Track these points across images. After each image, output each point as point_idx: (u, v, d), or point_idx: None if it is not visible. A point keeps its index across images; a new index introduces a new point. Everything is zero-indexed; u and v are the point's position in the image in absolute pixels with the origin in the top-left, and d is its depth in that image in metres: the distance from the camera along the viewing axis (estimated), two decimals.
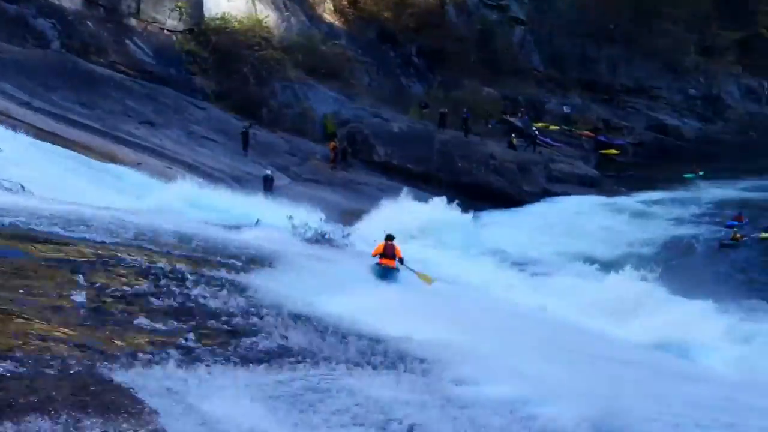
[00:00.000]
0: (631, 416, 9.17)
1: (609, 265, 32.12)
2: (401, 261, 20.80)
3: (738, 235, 37.22)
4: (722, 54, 70.68)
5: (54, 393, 7.44)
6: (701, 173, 52.96)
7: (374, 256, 20.66)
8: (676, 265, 33.35)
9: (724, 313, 25.93)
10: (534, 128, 54.58)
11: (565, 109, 61.14)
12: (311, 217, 23.68)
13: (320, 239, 21.97)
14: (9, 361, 7.84)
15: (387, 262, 20.66)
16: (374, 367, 10.39)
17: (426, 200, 37.74)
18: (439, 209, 37.84)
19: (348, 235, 23.48)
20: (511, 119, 56.11)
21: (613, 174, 54.12)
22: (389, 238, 21.01)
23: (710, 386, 14.51)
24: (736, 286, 29.81)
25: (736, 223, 39.16)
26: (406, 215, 35.61)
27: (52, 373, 7.90)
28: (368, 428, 8.20)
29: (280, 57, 49.21)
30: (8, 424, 6.63)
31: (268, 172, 38.46)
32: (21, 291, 10.34)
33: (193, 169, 36.32)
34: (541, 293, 27.45)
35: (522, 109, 58.16)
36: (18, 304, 9.78)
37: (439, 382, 10.09)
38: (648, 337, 23.02)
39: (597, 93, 65.06)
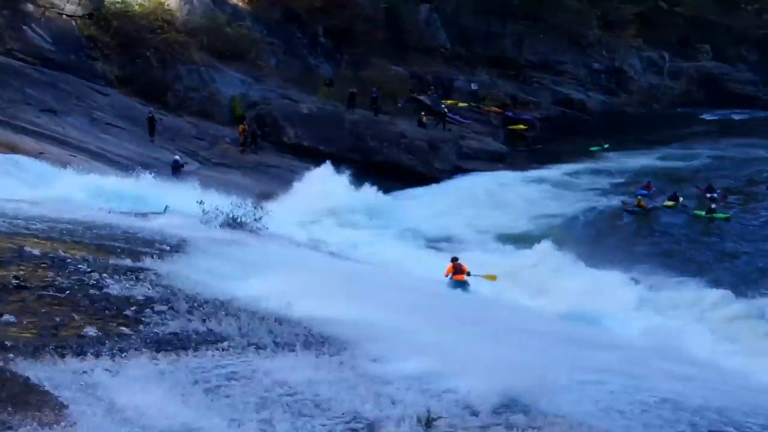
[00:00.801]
0: (543, 386, 9.25)
1: (520, 239, 32.56)
2: (468, 274, 25.17)
3: (642, 203, 38.04)
4: (624, 28, 71.95)
5: None
6: (606, 146, 53.89)
7: (447, 275, 24.88)
8: (586, 236, 33.93)
9: (634, 282, 26.56)
10: (443, 106, 54.83)
11: (473, 86, 61.54)
12: (222, 202, 23.42)
13: (232, 224, 21.76)
14: None
15: (459, 277, 25.05)
16: (288, 349, 10.32)
17: (339, 181, 37.77)
18: (352, 189, 37.88)
19: (260, 218, 23.27)
20: (420, 97, 56.23)
21: (522, 149, 54.76)
22: (455, 259, 25.44)
23: (621, 353, 14.77)
24: (644, 255, 30.47)
25: (645, 192, 40.00)
26: (319, 196, 35.58)
27: None
28: (284, 410, 8.14)
29: (184, 40, 48.48)
30: None
31: (177, 157, 37.95)
32: None
33: (98, 156, 35.61)
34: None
35: (431, 87, 58.34)
36: None
37: (354, 361, 10.07)
38: (559, 307, 23.40)
39: (503, 69, 65.68)
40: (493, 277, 26.67)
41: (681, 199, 38.79)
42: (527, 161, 51.12)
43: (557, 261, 28.42)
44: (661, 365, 13.91)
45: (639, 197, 38.63)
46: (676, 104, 69.13)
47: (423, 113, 52.01)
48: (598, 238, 32.89)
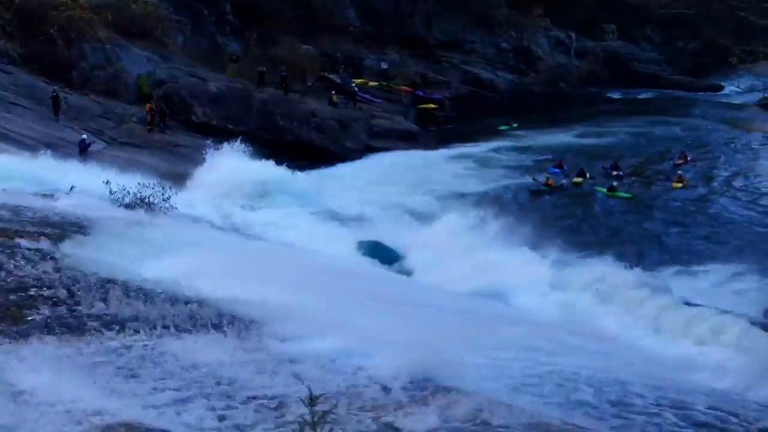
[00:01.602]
0: (451, 362, 9.40)
1: (429, 217, 32.77)
2: None
3: (550, 181, 38.63)
4: (531, 7, 72.61)
5: None
6: (515, 125, 54.50)
7: None
8: (495, 214, 34.27)
9: (542, 260, 26.93)
10: (353, 85, 54.76)
11: (383, 65, 61.54)
12: (129, 182, 23.09)
13: (139, 204, 21.49)
14: None
15: None
16: (198, 330, 10.29)
17: (248, 160, 37.48)
18: (262, 168, 37.64)
19: (168, 198, 23.02)
20: (331, 76, 56.06)
21: (432, 128, 54.98)
22: None
23: (532, 329, 15.04)
24: (551, 233, 30.85)
25: (557, 170, 40.61)
26: (228, 176, 35.26)
27: None
28: (193, 391, 8.12)
29: (89, 17, 47.40)
30: None
31: (84, 136, 37.21)
32: None
33: (1, 136, 34.77)
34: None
35: (341, 66, 58.20)
36: None
37: (263, 340, 10.09)
38: (468, 285, 23.63)
39: (413, 48, 65.74)
40: None
41: (588, 175, 39.47)
42: (437, 140, 51.38)
43: (463, 238, 28.67)
44: (570, 341, 14.22)
45: (548, 175, 39.20)
46: (583, 83, 70.06)
47: (333, 92, 51.89)
48: (507, 216, 33.17)
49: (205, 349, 9.40)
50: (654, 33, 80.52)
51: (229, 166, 36.29)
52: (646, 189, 38.61)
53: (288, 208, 33.67)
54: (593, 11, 75.87)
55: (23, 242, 12.96)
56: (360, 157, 45.80)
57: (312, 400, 5.85)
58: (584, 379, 10.41)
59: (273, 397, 8.05)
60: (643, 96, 68.54)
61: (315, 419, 5.85)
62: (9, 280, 10.85)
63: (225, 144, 38.49)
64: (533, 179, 39.31)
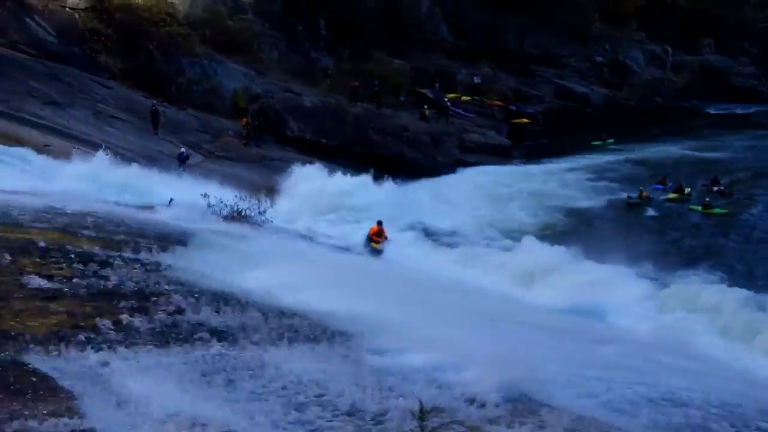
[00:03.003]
0: (546, 379, 9.33)
1: (523, 232, 32.55)
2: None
3: (644, 194, 38.13)
4: (626, 21, 71.80)
5: None
6: (610, 141, 53.89)
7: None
8: (588, 229, 33.94)
9: (637, 277, 26.51)
10: (446, 99, 54.79)
11: (475, 80, 61.48)
12: (226, 195, 23.52)
13: (236, 216, 21.86)
14: None
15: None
16: (293, 341, 10.38)
17: (341, 174, 37.84)
18: (355, 183, 37.92)
19: (264, 211, 23.40)
20: (423, 91, 56.21)
21: (525, 143, 54.72)
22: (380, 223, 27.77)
23: (624, 347, 14.81)
24: (647, 249, 30.41)
25: (660, 186, 40.11)
26: (321, 190, 35.64)
27: None
28: (287, 402, 8.20)
29: (186, 33, 48.47)
30: None
31: (183, 149, 38.01)
32: None
33: (102, 149, 35.66)
34: (456, 262, 27.76)
35: (437, 80, 58.27)
36: None
37: (357, 354, 10.13)
38: (562, 301, 23.41)
39: (506, 63, 65.53)
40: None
41: (687, 191, 38.83)
42: (530, 155, 51.12)
43: (559, 254, 28.43)
44: (664, 361, 13.95)
45: (641, 189, 38.69)
46: (679, 98, 69.03)
47: (425, 107, 52.01)
48: (601, 231, 32.86)
49: (302, 361, 9.48)
50: (752, 47, 78.81)
51: (322, 180, 36.69)
52: (745, 205, 37.75)
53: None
54: (689, 25, 74.56)
55: (125, 253, 13.30)
56: (451, 172, 45.78)
57: (423, 414, 5.87)
58: (681, 401, 10.20)
59: (370, 411, 8.08)
60: (741, 111, 67.12)
61: None
62: (111, 289, 11.13)
63: (317, 158, 38.94)
64: (627, 196, 38.78)
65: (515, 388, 8.86)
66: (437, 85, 57.33)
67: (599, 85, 68.23)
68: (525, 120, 58.08)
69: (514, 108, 59.20)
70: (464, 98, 58.36)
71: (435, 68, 60.74)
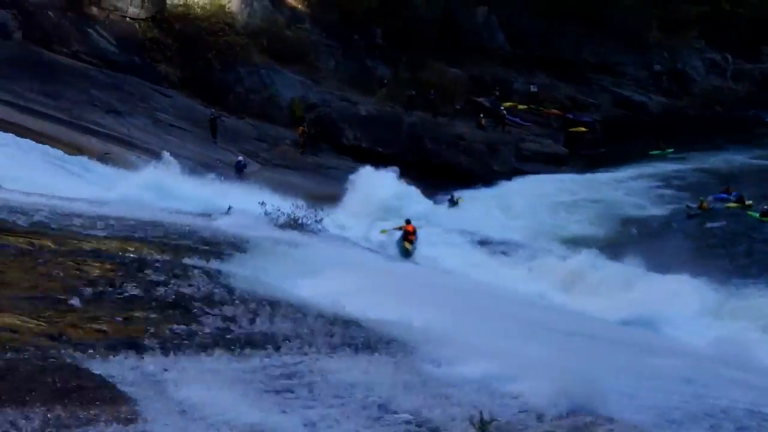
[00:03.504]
0: (603, 391, 9.24)
1: (580, 243, 32.36)
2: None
3: (704, 204, 37.67)
4: (685, 29, 70.92)
5: (28, 385, 7.42)
6: (669, 150, 53.30)
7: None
8: (647, 239, 33.60)
9: (696, 287, 26.17)
10: (502, 108, 54.62)
11: (532, 88, 61.19)
12: (283, 203, 23.68)
13: (293, 224, 21.99)
14: None
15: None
16: (350, 350, 10.42)
17: (396, 183, 37.92)
18: (410, 191, 37.99)
19: (321, 219, 23.53)
20: (480, 99, 56.10)
21: (582, 151, 54.33)
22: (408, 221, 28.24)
23: (683, 360, 14.64)
24: (707, 260, 30.04)
25: (724, 195, 39.59)
26: (378, 198, 35.74)
27: (26, 365, 7.87)
28: (345, 410, 8.24)
29: (245, 42, 48.93)
30: None
31: (240, 158, 38.38)
32: None
33: (161, 157, 36.11)
34: (512, 272, 27.66)
35: (496, 89, 58.07)
36: None
37: (415, 363, 10.13)
38: (622, 313, 23.22)
39: (562, 71, 65.10)
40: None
41: (749, 202, 38.26)
42: (587, 164, 50.75)
43: (617, 265, 28.22)
44: (724, 374, 13.77)
45: (702, 199, 38.23)
46: (740, 107, 67.96)
47: (481, 115, 51.90)
48: (659, 242, 32.54)
49: (358, 369, 9.51)
50: None
51: (378, 189, 36.76)
52: None
53: (434, 231, 33.82)
54: (750, 33, 73.41)
55: (185, 260, 13.47)
56: (507, 180, 45.60)
57: (483, 425, 5.88)
58: (745, 415, 10.06)
59: (428, 420, 8.09)
60: None
61: None
62: (173, 296, 11.28)
63: (373, 167, 39.03)
64: (687, 206, 38.32)
65: (572, 400, 8.79)
66: (497, 93, 57.14)
67: (657, 94, 67.47)
68: (582, 129, 57.65)
69: (571, 116, 58.81)
70: (521, 107, 58.10)
71: (491, 77, 60.53)
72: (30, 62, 40.72)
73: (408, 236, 28.90)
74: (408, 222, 29.59)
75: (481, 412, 6.15)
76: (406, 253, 28.23)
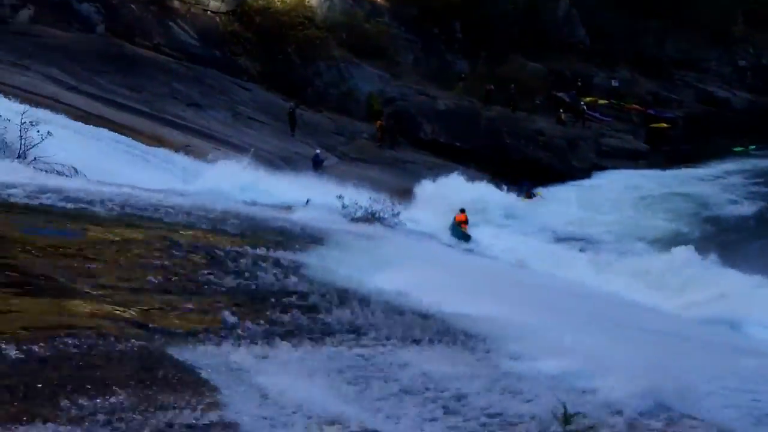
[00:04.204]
0: (689, 389, 9.10)
1: (660, 240, 31.94)
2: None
3: None
4: None
5: (113, 371, 7.55)
6: (752, 147, 52.26)
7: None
8: (728, 238, 33.05)
9: None
10: (582, 103, 54.12)
11: (613, 83, 60.57)
12: (360, 196, 23.80)
13: (370, 218, 22.09)
14: (66, 340, 7.95)
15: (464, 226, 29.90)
16: (426, 342, 10.42)
17: (474, 177, 37.79)
18: (489, 187, 37.84)
19: (398, 213, 23.61)
20: (560, 94, 55.65)
21: (664, 148, 53.56)
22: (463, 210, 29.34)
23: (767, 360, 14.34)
24: None
25: None
26: (455, 193, 35.67)
27: (111, 351, 8.02)
28: (421, 401, 8.24)
29: (324, 36, 49.26)
30: (65, 403, 6.74)
31: (318, 151, 38.63)
32: (76, 271, 10.50)
33: (240, 150, 36.53)
34: (593, 268, 27.42)
35: (579, 82, 57.52)
36: (76, 284, 9.95)
37: (491, 357, 10.09)
38: (700, 311, 22.87)
39: (644, 66, 64.23)
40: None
41: None
42: (669, 161, 50.02)
43: (698, 263, 27.77)
44: None
45: None
46: None
47: (561, 110, 51.50)
48: (745, 240, 31.98)
49: (435, 362, 9.49)
50: None
51: (454, 184, 36.72)
52: None
53: (512, 226, 33.71)
54: None
55: (265, 251, 13.63)
56: (587, 177, 45.24)
57: (567, 418, 5.84)
58: None
59: (508, 414, 8.04)
60: None
61: None
62: (253, 286, 11.41)
63: (451, 161, 39.01)
64: None
65: (655, 398, 8.66)
66: (579, 84, 56.61)
67: (742, 90, 66.22)
68: (664, 125, 56.83)
69: (652, 112, 58.04)
70: (601, 102, 57.52)
71: (571, 71, 60.01)
72: (113, 55, 41.54)
73: (460, 224, 30.07)
74: (462, 211, 30.34)
75: (564, 405, 6.08)
76: (465, 238, 28.98)
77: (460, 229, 31.03)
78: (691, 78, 64.96)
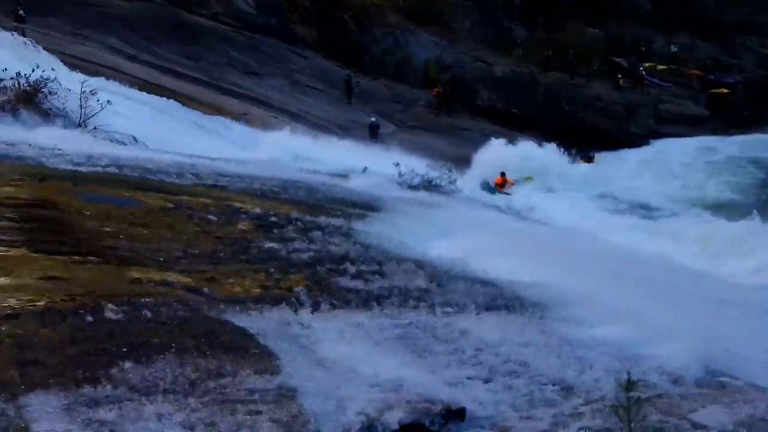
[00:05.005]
0: (747, 356, 9.08)
1: (721, 207, 31.57)
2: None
3: None
4: None
5: (173, 336, 7.72)
6: None
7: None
8: None
9: None
10: (641, 68, 53.42)
11: (673, 48, 59.62)
12: (417, 164, 23.80)
13: (427, 185, 22.09)
14: (127, 307, 8.13)
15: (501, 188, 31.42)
16: (484, 309, 10.46)
17: (535, 144, 37.65)
18: (546, 153, 37.63)
19: (455, 180, 23.56)
20: (618, 60, 54.98)
21: (725, 114, 52.70)
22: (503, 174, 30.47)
23: None
24: None
25: None
26: (512, 159, 35.57)
27: (171, 317, 8.19)
28: (481, 368, 8.31)
29: (381, 3, 49.17)
30: (128, 365, 6.92)
31: (373, 119, 38.69)
32: (138, 239, 10.71)
33: (298, 118, 36.77)
34: (646, 234, 27.21)
35: (643, 45, 56.70)
36: (136, 252, 10.15)
37: (549, 324, 10.12)
38: (757, 278, 22.57)
39: (705, 31, 63.10)
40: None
41: None
42: (730, 127, 49.23)
43: (756, 228, 27.40)
44: None
45: None
46: None
47: (620, 76, 50.91)
48: None
49: (495, 329, 9.54)
50: None
51: (512, 150, 36.58)
52: None
53: (570, 193, 33.53)
54: None
55: (324, 219, 13.75)
56: (646, 143, 44.77)
57: (630, 385, 5.88)
58: None
59: (570, 381, 8.10)
60: None
61: (630, 405, 5.89)
62: (311, 254, 11.54)
63: (509, 128, 38.82)
64: None
65: (709, 364, 8.67)
66: (643, 49, 55.86)
67: None
68: (724, 90, 55.89)
69: (712, 78, 57.08)
70: (660, 67, 56.69)
71: (630, 37, 59.21)
72: (171, 24, 41.87)
73: (497, 187, 30.88)
74: (502, 174, 32.84)
75: (628, 373, 6.12)
76: (503, 194, 32.01)
77: (494, 189, 33.22)
78: (752, 42, 63.65)
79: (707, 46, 61.86)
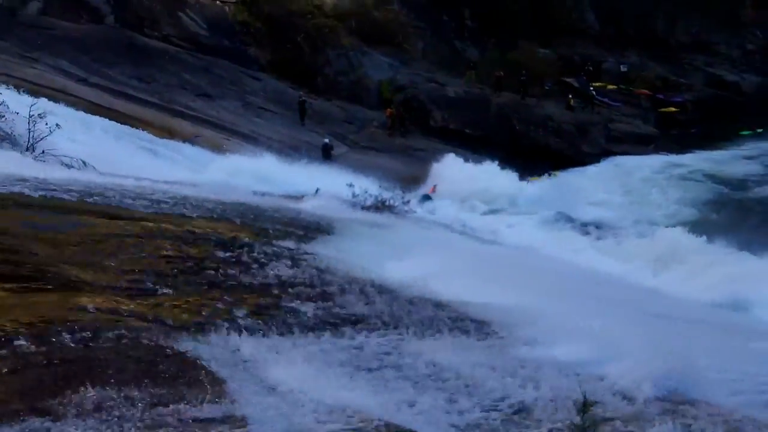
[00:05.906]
0: (699, 373, 9.09)
1: (672, 223, 31.82)
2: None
3: None
4: None
5: (118, 364, 7.54)
6: (759, 130, 51.98)
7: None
8: (738, 222, 32.90)
9: None
10: (591, 88, 53.93)
11: (622, 68, 60.26)
12: (371, 185, 23.75)
13: (380, 206, 22.03)
14: (71, 335, 7.91)
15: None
16: (439, 331, 10.40)
17: (485, 165, 37.79)
18: (497, 173, 37.76)
19: (408, 201, 23.53)
20: (569, 80, 55.44)
21: (673, 132, 53.35)
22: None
23: None
24: None
25: None
26: (465, 181, 35.66)
27: (117, 345, 8.00)
28: (435, 391, 8.23)
29: (333, 24, 49.18)
30: (72, 396, 6.74)
31: (327, 140, 38.59)
32: (86, 265, 10.48)
33: (250, 139, 36.57)
34: (603, 252, 27.37)
35: (589, 66, 57.25)
36: (83, 278, 9.92)
37: (503, 344, 10.08)
38: (709, 294, 22.75)
39: (654, 50, 63.88)
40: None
41: None
42: (679, 145, 49.82)
43: (710, 246, 27.68)
44: None
45: None
46: None
47: (571, 96, 51.33)
48: (754, 222, 31.83)
49: (448, 351, 9.49)
50: None
51: (465, 171, 36.68)
52: None
53: (521, 214, 33.67)
54: None
55: (275, 242, 13.60)
56: (597, 162, 45.14)
57: (586, 407, 5.83)
58: None
59: (523, 403, 8.05)
60: None
61: (586, 425, 5.84)
62: (262, 277, 11.39)
63: (462, 148, 38.93)
64: None
65: (665, 382, 8.68)
66: (590, 68, 56.40)
67: (751, 73, 65.74)
68: (673, 109, 56.57)
69: (661, 97, 57.77)
70: (610, 87, 57.28)
71: (581, 57, 59.78)
72: (123, 46, 41.56)
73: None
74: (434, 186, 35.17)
75: (584, 394, 6.07)
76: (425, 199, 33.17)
77: (426, 196, 34.03)
78: (700, 62, 64.54)
79: (656, 65, 62.61)
